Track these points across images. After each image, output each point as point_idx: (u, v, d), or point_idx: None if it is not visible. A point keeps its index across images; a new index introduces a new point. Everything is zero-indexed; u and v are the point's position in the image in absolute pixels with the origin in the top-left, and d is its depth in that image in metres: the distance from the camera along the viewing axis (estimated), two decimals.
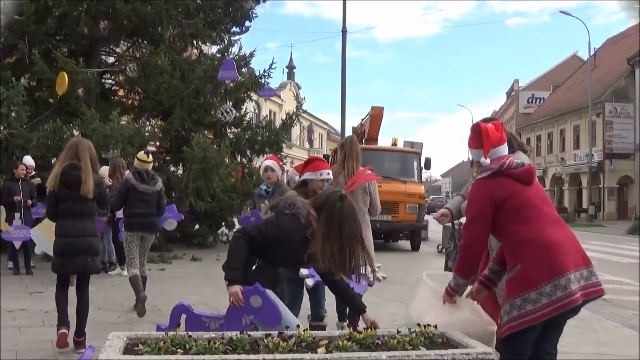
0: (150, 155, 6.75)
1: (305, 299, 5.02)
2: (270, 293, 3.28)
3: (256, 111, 33.38)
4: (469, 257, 3.13)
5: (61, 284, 4.90)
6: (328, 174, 4.40)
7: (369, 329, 2.88)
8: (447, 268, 8.29)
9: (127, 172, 7.39)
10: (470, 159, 3.39)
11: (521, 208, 2.98)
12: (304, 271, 4.28)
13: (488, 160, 3.08)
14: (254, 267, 3.34)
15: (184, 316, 3.31)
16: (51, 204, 4.81)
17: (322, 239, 3.19)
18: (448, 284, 3.22)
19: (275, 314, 3.21)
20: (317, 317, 5.12)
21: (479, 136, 3.13)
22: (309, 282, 4.48)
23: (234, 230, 5.82)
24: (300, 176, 4.55)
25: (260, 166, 6.33)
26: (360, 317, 3.63)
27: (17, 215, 8.63)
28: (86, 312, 4.83)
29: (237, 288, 3.17)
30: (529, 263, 2.87)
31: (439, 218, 4.32)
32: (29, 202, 8.85)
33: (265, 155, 13.17)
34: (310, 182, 4.32)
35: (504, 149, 3.15)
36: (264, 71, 14.06)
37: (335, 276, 3.40)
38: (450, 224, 8.14)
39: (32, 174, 9.38)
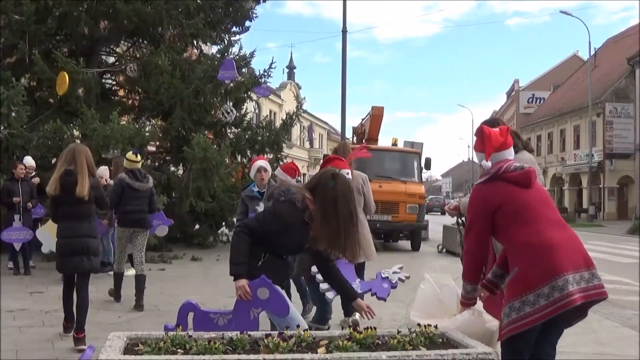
0: (139, 155, 7.04)
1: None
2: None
3: (256, 111, 33.38)
4: (471, 262, 3.15)
5: (66, 284, 5.09)
6: (347, 173, 4.37)
7: (364, 315, 2.86)
8: None
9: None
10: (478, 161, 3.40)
11: (520, 211, 2.97)
12: (323, 286, 4.24)
13: (489, 164, 3.09)
14: (259, 263, 3.33)
15: (190, 315, 3.28)
16: (52, 207, 5.09)
17: (319, 219, 3.20)
18: (461, 294, 3.25)
19: (284, 304, 3.19)
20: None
21: (482, 139, 3.14)
22: (330, 295, 4.45)
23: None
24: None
25: (251, 167, 6.29)
26: (359, 312, 3.61)
27: (16, 216, 8.65)
28: (85, 309, 4.89)
29: (243, 282, 3.15)
30: (526, 265, 2.87)
31: (450, 210, 4.49)
32: (29, 204, 8.84)
33: (265, 155, 13.17)
34: None
35: (508, 154, 3.13)
36: (264, 71, 14.06)
37: (330, 261, 3.43)
38: (455, 225, 8.21)
39: (32, 174, 9.37)
